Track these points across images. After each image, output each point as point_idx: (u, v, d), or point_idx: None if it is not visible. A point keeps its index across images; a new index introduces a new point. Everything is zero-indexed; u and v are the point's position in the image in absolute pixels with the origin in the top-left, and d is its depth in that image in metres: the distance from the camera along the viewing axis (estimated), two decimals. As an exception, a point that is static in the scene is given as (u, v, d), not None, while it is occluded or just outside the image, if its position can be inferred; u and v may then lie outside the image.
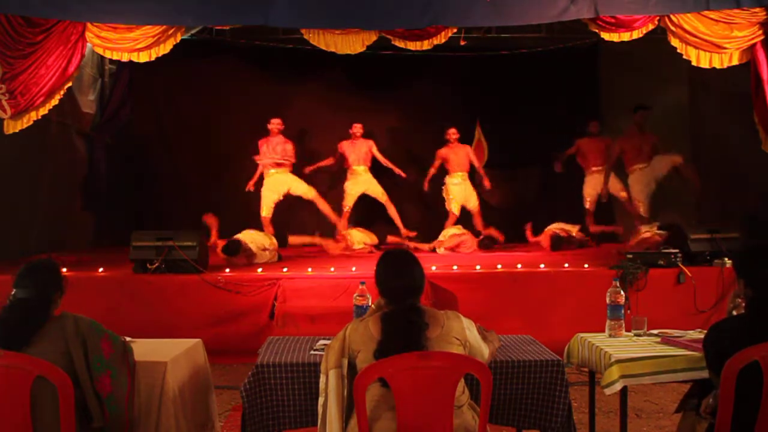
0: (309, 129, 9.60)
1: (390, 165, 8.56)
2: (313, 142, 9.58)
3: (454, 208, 8.53)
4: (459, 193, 8.52)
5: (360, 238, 8.35)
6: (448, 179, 8.58)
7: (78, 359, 2.48)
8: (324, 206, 7.94)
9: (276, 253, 7.24)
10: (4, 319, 2.52)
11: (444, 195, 8.63)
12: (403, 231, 8.50)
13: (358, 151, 8.51)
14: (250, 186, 8.12)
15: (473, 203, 8.57)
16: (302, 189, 7.95)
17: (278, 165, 8.03)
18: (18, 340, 2.44)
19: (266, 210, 7.92)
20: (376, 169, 8.67)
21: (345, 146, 8.53)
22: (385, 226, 8.69)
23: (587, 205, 8.62)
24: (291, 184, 8.02)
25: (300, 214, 8.34)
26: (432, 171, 8.59)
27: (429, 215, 9.15)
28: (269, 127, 8.14)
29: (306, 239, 7.71)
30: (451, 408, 2.32)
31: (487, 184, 8.53)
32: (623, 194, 8.34)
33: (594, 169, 8.54)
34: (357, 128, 8.52)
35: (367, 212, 8.80)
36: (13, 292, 2.58)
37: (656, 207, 8.23)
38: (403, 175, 8.58)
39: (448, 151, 8.55)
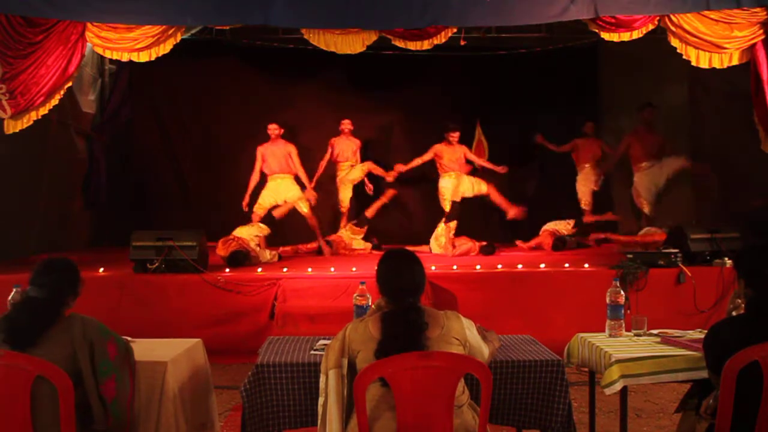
0: (309, 129, 9.60)
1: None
2: (313, 142, 9.58)
3: (446, 206, 8.28)
4: (449, 190, 8.25)
5: (348, 236, 8.31)
6: (440, 180, 8.34)
7: (84, 364, 2.47)
8: (313, 222, 7.91)
9: (276, 254, 7.28)
10: (12, 317, 2.50)
11: (439, 196, 8.43)
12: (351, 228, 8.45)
13: (347, 148, 8.58)
14: (245, 205, 7.93)
15: (478, 189, 8.29)
16: (297, 201, 7.89)
17: (281, 171, 7.96)
18: (24, 340, 2.42)
19: (260, 208, 7.90)
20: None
21: (335, 142, 8.61)
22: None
23: (583, 205, 8.77)
24: (288, 194, 7.91)
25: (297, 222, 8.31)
26: (418, 161, 8.32)
27: (427, 214, 9.11)
28: (269, 132, 8.00)
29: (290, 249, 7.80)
30: (451, 408, 2.32)
31: (500, 169, 8.35)
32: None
33: (585, 165, 8.79)
34: (346, 124, 8.57)
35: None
36: (27, 289, 2.55)
37: (659, 208, 8.25)
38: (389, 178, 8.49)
39: (444, 148, 8.25)
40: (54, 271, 2.59)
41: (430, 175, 8.62)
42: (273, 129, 8.03)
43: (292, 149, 8.04)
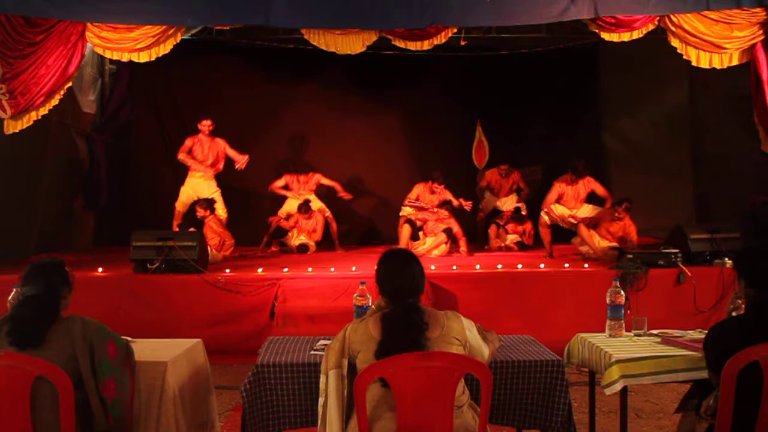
0: (309, 129, 9.61)
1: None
2: (313, 142, 9.60)
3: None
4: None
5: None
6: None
7: (84, 364, 2.47)
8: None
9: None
10: (16, 317, 2.50)
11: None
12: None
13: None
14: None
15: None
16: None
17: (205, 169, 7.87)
18: (30, 339, 2.43)
19: (181, 205, 7.85)
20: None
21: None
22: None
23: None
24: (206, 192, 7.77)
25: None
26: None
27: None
28: (200, 127, 7.84)
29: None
30: (451, 408, 2.32)
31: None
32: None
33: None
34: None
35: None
36: (22, 291, 2.58)
37: (658, 208, 8.24)
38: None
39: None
40: (43, 267, 2.63)
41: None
42: (206, 125, 7.83)
43: (220, 148, 7.88)
